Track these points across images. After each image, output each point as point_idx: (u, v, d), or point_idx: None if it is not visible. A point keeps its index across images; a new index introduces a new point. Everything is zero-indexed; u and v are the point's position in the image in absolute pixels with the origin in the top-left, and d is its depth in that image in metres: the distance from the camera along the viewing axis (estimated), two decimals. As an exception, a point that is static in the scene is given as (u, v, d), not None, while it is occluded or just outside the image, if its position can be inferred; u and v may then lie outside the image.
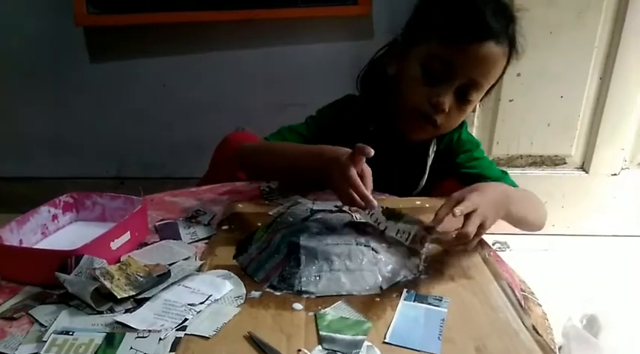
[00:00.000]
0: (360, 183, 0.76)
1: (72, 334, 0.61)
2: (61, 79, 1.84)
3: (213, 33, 1.76)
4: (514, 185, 1.03)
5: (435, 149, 1.07)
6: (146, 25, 1.71)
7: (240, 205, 1.00)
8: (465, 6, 0.92)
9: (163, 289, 0.68)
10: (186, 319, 0.63)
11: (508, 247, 1.52)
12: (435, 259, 0.79)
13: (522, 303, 0.68)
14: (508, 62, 0.95)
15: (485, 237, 0.84)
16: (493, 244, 0.86)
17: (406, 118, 1.00)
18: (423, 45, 0.95)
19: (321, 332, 0.61)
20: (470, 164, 1.06)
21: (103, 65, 1.82)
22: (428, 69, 0.94)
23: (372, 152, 0.74)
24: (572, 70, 1.60)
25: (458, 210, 0.72)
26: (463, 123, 1.06)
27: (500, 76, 0.97)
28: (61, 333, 0.61)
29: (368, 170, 0.79)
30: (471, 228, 0.73)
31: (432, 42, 0.93)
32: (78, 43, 1.78)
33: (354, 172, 0.76)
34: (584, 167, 1.73)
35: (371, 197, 0.75)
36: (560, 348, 0.62)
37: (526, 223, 0.97)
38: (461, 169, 1.06)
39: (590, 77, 1.61)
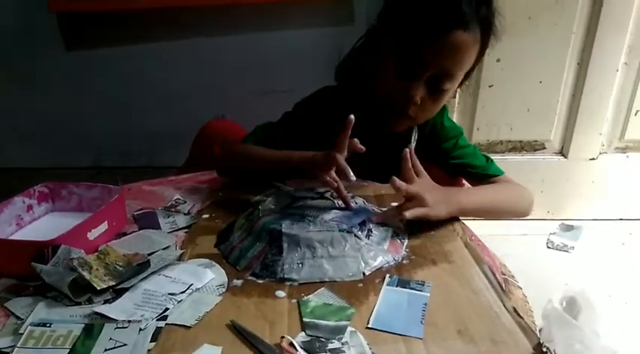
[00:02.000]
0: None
1: (49, 326, 0.60)
2: (34, 67, 1.79)
3: (192, 19, 1.72)
4: (499, 172, 1.04)
5: (416, 137, 1.07)
6: (122, 11, 1.67)
7: (220, 194, 0.99)
8: None
9: (143, 279, 0.67)
10: (167, 309, 0.62)
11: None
12: (417, 244, 0.79)
13: (503, 286, 0.69)
14: (485, 46, 0.93)
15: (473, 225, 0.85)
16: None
17: (382, 110, 0.99)
18: (392, 37, 0.93)
19: (304, 319, 0.61)
20: (456, 154, 1.06)
21: (78, 53, 1.78)
22: (398, 61, 0.91)
23: (364, 149, 0.81)
24: (551, 56, 1.61)
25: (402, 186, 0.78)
26: (444, 108, 1.06)
27: (478, 61, 0.95)
28: (38, 325, 0.60)
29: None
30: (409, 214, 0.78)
31: (401, 34, 0.91)
32: (52, 30, 1.73)
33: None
34: (562, 152, 1.75)
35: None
36: (540, 330, 0.63)
37: (503, 213, 0.99)
38: (448, 159, 1.06)
39: (568, 62, 1.62)
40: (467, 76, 0.97)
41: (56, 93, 1.84)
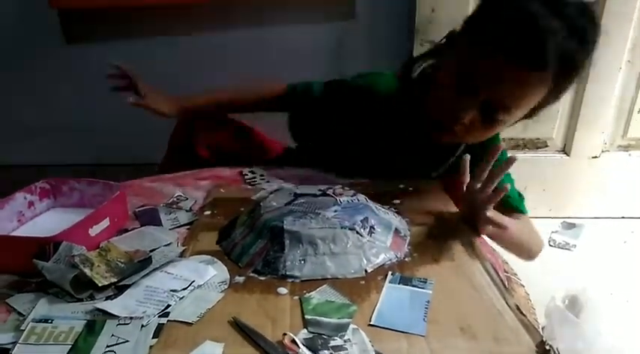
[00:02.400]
0: None
1: (51, 322, 0.60)
2: (34, 63, 1.78)
3: (191, 16, 1.71)
4: (525, 211, 1.00)
5: (462, 149, 1.00)
6: (123, 7, 1.66)
7: (222, 190, 0.98)
8: (522, 26, 0.78)
9: (145, 275, 0.67)
10: (169, 306, 0.62)
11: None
12: (419, 241, 0.79)
13: (506, 283, 0.68)
14: (561, 88, 0.84)
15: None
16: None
17: (429, 120, 0.93)
18: (463, 50, 0.86)
19: (306, 316, 0.61)
20: None
21: (78, 49, 1.77)
22: (459, 76, 0.85)
23: None
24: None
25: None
26: (497, 134, 0.97)
27: (550, 100, 0.86)
28: (40, 321, 0.60)
29: None
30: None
31: (473, 49, 0.84)
32: (53, 25, 1.73)
33: None
34: (565, 150, 1.74)
35: None
36: (543, 328, 0.63)
37: (520, 251, 0.97)
38: None
39: (571, 60, 1.61)
40: (534, 111, 0.89)
41: (55, 89, 1.83)
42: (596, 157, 1.73)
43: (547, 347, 0.56)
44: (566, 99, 1.67)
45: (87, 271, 0.64)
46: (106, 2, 1.64)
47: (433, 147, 0.99)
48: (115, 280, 0.65)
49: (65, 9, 1.69)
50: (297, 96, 1.14)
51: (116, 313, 0.60)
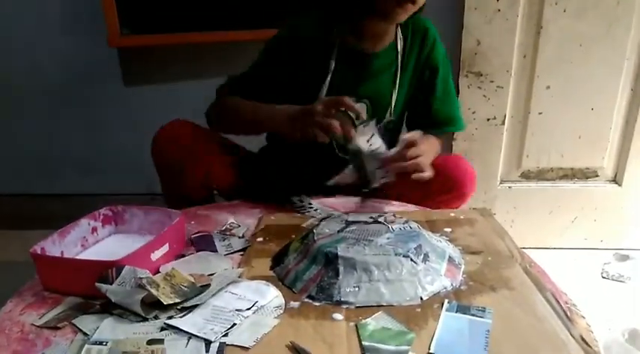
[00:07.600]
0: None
1: (106, 344, 0.61)
2: (94, 99, 1.88)
3: (244, 53, 1.77)
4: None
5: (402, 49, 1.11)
6: (177, 46, 1.74)
7: (273, 218, 1.00)
8: None
9: (212, 295, 0.69)
10: (234, 324, 0.64)
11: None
12: (474, 270, 0.78)
13: (568, 314, 0.66)
14: None
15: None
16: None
17: (384, 2, 1.00)
18: None
19: (364, 342, 0.61)
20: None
21: (135, 85, 1.86)
22: None
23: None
24: (603, 82, 1.57)
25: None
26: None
27: None
28: (95, 343, 0.62)
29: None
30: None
31: None
32: (112, 63, 1.82)
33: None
34: (616, 180, 1.69)
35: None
36: (605, 362, 0.60)
37: None
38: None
39: (621, 89, 1.58)
40: None
41: (113, 124, 1.92)
42: (649, 187, 1.67)
43: (617, 380, 0.54)
44: (616, 128, 1.63)
45: (153, 291, 0.66)
46: (161, 40, 1.71)
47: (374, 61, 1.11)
48: (179, 300, 0.67)
49: (123, 48, 1.77)
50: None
51: (186, 329, 0.62)
